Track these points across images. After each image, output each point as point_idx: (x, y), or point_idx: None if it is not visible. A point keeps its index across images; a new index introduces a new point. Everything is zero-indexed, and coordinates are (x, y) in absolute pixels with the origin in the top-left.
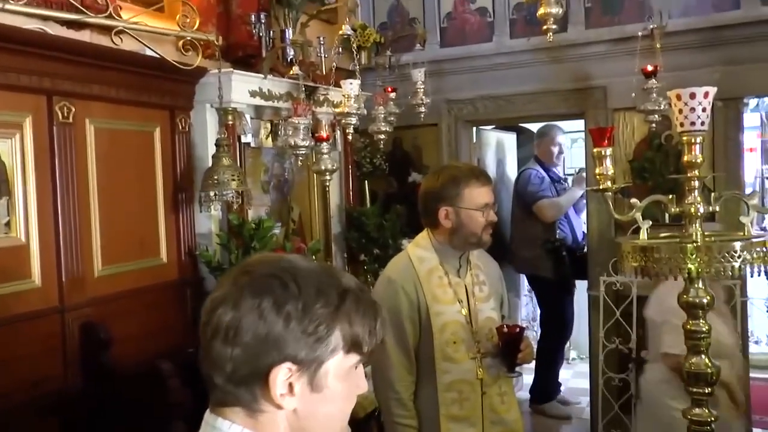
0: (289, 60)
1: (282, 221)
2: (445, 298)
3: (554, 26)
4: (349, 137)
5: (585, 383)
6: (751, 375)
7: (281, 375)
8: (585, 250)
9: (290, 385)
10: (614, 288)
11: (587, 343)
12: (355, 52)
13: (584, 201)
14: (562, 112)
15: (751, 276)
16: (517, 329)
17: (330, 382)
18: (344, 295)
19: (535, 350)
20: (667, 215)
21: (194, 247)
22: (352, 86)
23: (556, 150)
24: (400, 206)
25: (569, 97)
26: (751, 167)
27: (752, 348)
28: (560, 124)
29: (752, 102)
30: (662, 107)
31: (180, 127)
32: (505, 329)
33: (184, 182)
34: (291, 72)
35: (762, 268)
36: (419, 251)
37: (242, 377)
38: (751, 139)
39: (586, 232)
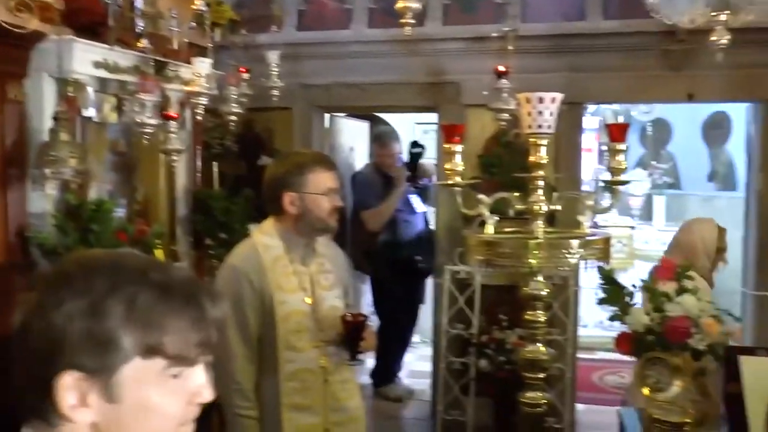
0: (138, 31)
1: (126, 202)
2: (289, 286)
3: (412, 20)
4: (199, 117)
5: (427, 366)
6: (578, 356)
7: (67, 385)
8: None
9: (83, 396)
10: (458, 277)
11: (431, 328)
12: (208, 29)
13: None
14: (415, 104)
15: (585, 270)
16: (360, 318)
17: (130, 392)
18: (144, 291)
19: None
20: (511, 210)
21: (26, 228)
22: (204, 64)
23: (390, 160)
24: (250, 190)
25: (423, 90)
26: (588, 167)
27: (580, 331)
28: (414, 115)
29: (592, 106)
30: (512, 107)
31: (12, 96)
32: (348, 318)
33: (16, 157)
34: (140, 44)
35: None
36: (265, 238)
37: (33, 387)
38: (588, 140)
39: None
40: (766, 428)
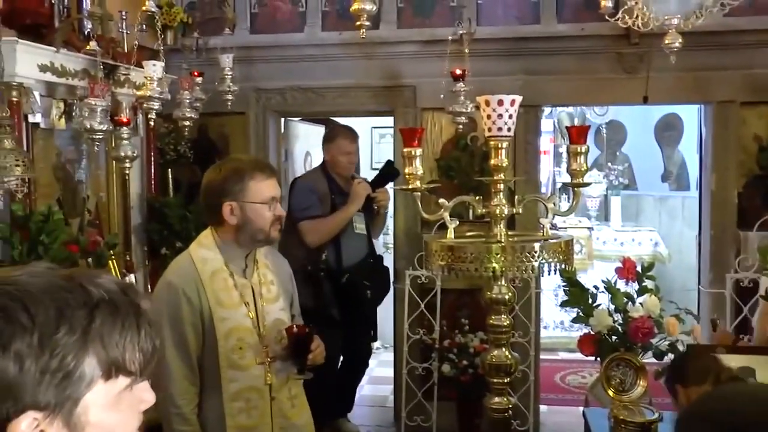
0: (86, 33)
1: (76, 212)
2: (230, 301)
3: (367, 23)
4: (152, 122)
5: (389, 372)
6: (541, 357)
7: (24, 427)
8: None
9: None
10: (419, 281)
11: (392, 334)
12: (159, 31)
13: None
14: (371, 108)
15: (548, 274)
16: (306, 329)
17: (95, 418)
18: (94, 311)
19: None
20: (471, 213)
21: None
22: (155, 68)
23: (345, 160)
24: None
25: (379, 94)
26: (544, 169)
27: (541, 333)
28: (369, 119)
29: (547, 109)
30: (469, 110)
31: None
32: (294, 329)
33: None
34: (88, 47)
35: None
36: (202, 251)
37: None
38: (544, 142)
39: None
40: None
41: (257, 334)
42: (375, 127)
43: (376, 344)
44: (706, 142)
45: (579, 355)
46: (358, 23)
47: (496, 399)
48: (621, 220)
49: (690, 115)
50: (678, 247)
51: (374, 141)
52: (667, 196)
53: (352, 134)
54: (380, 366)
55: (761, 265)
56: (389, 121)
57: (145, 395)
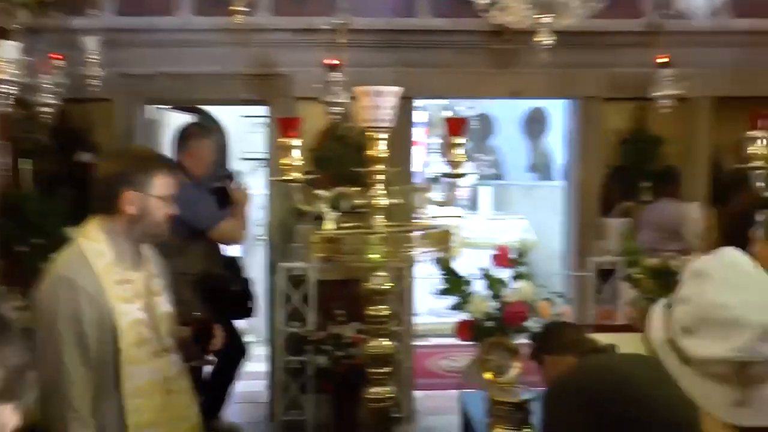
0: None
1: None
2: (125, 295)
3: (243, 8)
4: (7, 108)
5: (263, 367)
6: (415, 343)
7: None
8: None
9: None
10: (293, 274)
11: (265, 328)
12: (14, 9)
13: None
14: (245, 97)
15: (427, 263)
16: (205, 317)
17: None
18: None
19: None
20: (346, 204)
21: None
22: (10, 48)
23: (210, 158)
24: (68, 189)
25: (253, 82)
26: (418, 160)
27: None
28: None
29: (420, 101)
30: (345, 100)
31: None
32: (197, 316)
33: None
34: None
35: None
36: (93, 244)
37: None
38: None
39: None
40: None
41: (152, 328)
42: (245, 116)
43: (250, 338)
44: (572, 135)
45: (451, 340)
46: (232, 8)
47: (375, 389)
48: (491, 209)
49: (555, 109)
50: (544, 233)
51: (246, 131)
52: (534, 186)
53: (205, 133)
54: (254, 361)
55: (625, 249)
56: (259, 110)
57: (6, 419)
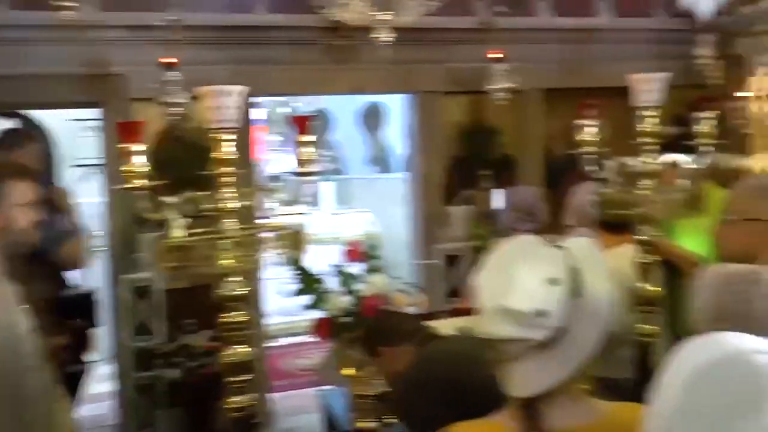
0: None
1: None
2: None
3: (68, 2)
4: None
5: (109, 387)
6: (267, 346)
7: None
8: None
9: None
10: (137, 285)
11: (110, 344)
12: None
13: None
14: (74, 99)
15: (281, 264)
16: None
17: None
18: None
19: None
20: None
21: None
22: None
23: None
24: None
25: (83, 83)
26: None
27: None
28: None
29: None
30: (183, 100)
31: None
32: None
33: None
34: None
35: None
36: None
37: None
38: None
39: None
40: None
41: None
42: (73, 120)
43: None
44: (413, 128)
45: (302, 339)
46: (55, 2)
47: (235, 398)
48: (335, 204)
49: (393, 103)
50: (389, 225)
51: (75, 135)
52: (375, 179)
53: (27, 140)
54: (99, 381)
55: (472, 234)
56: (93, 113)
57: None
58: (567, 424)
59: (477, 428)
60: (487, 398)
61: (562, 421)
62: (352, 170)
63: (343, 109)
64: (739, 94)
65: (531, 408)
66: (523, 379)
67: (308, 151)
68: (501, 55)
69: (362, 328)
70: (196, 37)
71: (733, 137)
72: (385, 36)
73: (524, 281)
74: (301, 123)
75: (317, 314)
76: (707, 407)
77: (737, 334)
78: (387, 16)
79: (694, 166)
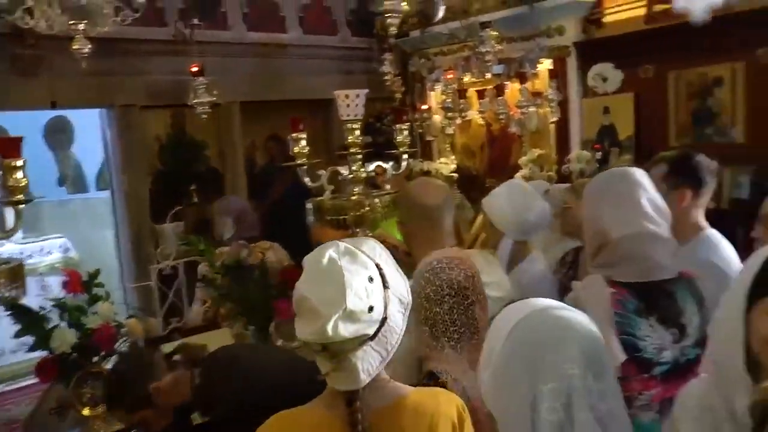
0: None
1: None
2: None
3: None
4: None
5: None
6: None
7: None
8: None
9: None
10: None
11: None
12: None
13: None
14: None
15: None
16: None
17: None
18: None
19: None
20: None
21: None
22: None
23: None
24: None
25: None
26: None
27: None
28: None
29: None
30: None
31: None
32: None
33: None
34: None
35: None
36: None
37: None
38: None
39: None
40: None
41: None
42: None
43: None
44: (112, 143)
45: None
46: None
47: None
48: (21, 231)
49: (81, 117)
50: (90, 250)
51: None
52: (67, 200)
53: None
54: None
55: (188, 249)
56: None
57: None
58: (377, 406)
59: (298, 417)
60: (294, 386)
61: (374, 403)
62: (40, 192)
63: (22, 124)
64: (423, 107)
65: (352, 395)
66: (353, 373)
67: (19, 178)
68: (200, 69)
69: (110, 387)
70: None
71: (419, 144)
72: (81, 46)
73: (351, 283)
74: (8, 145)
75: (41, 354)
76: (525, 346)
77: (538, 298)
78: (82, 25)
79: (394, 172)
